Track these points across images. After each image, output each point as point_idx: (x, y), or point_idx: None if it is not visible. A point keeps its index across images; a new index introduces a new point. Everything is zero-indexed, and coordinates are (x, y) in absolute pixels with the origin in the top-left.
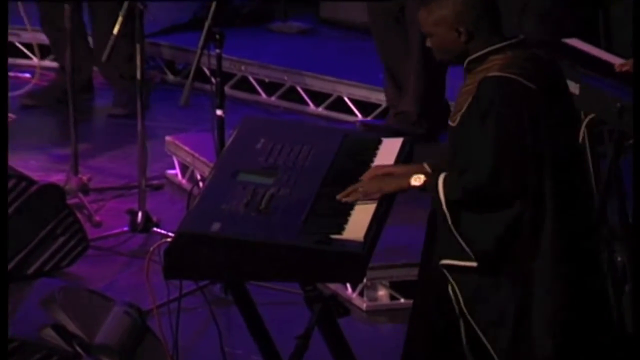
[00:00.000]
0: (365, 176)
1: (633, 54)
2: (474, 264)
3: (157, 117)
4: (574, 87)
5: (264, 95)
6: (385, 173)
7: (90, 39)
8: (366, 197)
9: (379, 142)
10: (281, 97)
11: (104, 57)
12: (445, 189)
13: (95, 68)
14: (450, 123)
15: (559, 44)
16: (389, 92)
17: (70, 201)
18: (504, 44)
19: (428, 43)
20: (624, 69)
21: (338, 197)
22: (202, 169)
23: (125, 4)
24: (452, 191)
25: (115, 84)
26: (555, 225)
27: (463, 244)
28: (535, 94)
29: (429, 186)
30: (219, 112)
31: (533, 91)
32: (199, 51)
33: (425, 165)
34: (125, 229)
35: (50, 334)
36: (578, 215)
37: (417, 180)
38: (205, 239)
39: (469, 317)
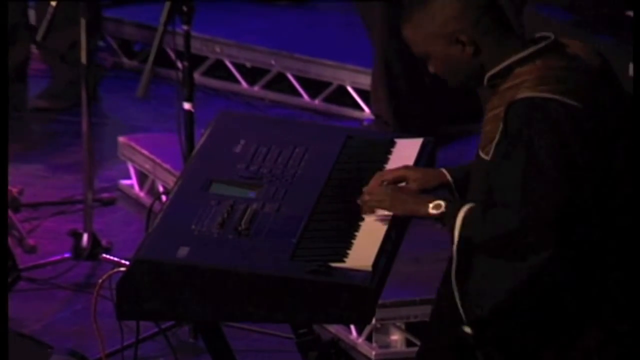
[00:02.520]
0: (372, 185)
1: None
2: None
3: (107, 113)
4: None
5: (244, 84)
6: (396, 178)
7: (32, 12)
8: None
9: (392, 143)
10: (267, 87)
11: (39, 35)
12: (465, 226)
13: (34, 50)
14: (482, 155)
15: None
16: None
17: None
18: (531, 50)
19: (431, 69)
20: None
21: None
22: (165, 179)
23: None
24: (474, 232)
25: (54, 70)
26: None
27: (458, 299)
28: (581, 115)
29: (447, 217)
30: (186, 105)
31: (578, 111)
32: (160, 27)
33: (445, 172)
34: (67, 255)
35: None
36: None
37: (437, 208)
38: (169, 269)
39: None
